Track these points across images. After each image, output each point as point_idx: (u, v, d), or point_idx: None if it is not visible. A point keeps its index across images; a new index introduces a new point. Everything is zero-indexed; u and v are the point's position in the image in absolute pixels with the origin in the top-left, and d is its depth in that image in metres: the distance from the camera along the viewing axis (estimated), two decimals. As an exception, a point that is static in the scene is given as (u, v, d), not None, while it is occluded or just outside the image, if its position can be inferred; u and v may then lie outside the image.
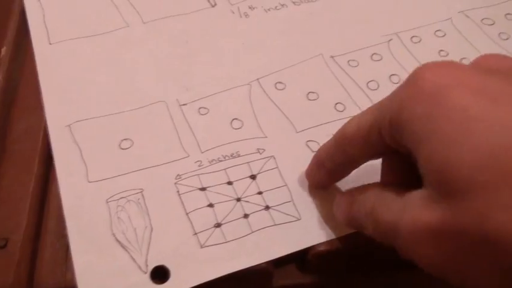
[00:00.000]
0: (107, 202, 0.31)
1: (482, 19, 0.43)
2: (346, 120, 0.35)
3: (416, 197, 0.23)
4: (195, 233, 0.30)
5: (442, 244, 0.21)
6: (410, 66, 0.39)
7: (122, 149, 0.34)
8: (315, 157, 0.32)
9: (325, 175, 0.31)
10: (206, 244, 0.30)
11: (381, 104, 0.25)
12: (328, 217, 0.31)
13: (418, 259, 0.22)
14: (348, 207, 0.28)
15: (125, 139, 0.34)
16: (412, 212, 0.22)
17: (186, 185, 0.32)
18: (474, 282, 0.21)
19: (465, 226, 0.20)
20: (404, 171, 0.26)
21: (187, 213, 0.31)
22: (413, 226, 0.22)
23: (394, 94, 0.24)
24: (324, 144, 0.31)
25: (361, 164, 0.29)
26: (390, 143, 0.25)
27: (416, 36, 0.42)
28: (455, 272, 0.22)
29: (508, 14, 0.44)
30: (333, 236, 0.31)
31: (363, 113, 0.27)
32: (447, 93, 0.21)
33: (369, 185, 0.28)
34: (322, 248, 0.30)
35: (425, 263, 0.22)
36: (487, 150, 0.20)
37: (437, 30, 0.42)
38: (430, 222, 0.21)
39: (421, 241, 0.22)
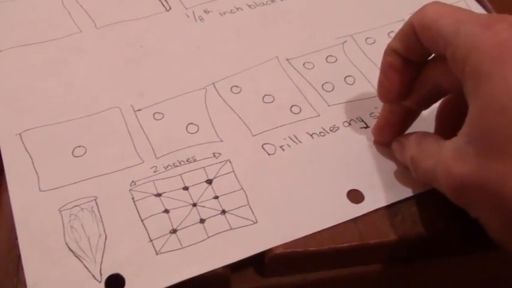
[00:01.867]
0: (60, 211, 0.31)
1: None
2: (302, 122, 0.36)
3: (449, 148, 0.26)
4: (151, 240, 0.30)
5: (466, 194, 0.25)
6: (365, 68, 0.39)
7: (75, 156, 0.33)
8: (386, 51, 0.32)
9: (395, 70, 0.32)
10: (162, 251, 0.29)
11: (460, 22, 0.26)
12: (284, 219, 0.31)
13: (454, 201, 0.26)
14: (400, 153, 0.32)
15: (78, 146, 0.34)
16: (445, 163, 0.26)
17: (141, 192, 0.32)
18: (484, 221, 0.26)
19: (488, 183, 0.24)
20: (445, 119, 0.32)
21: (142, 220, 0.31)
22: (446, 175, 0.26)
23: (472, 28, 0.25)
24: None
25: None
26: (449, 62, 0.27)
27: (370, 38, 0.42)
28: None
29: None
30: (289, 238, 0.31)
31: (446, 13, 0.27)
32: None
33: (411, 133, 0.32)
34: (279, 251, 0.30)
35: (459, 204, 0.26)
36: None
37: (391, 32, 0.43)
38: (457, 174, 0.25)
39: (453, 188, 0.26)
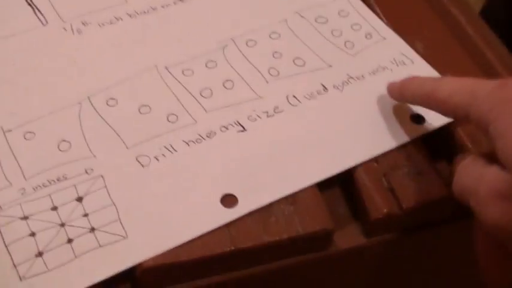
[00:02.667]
0: None
1: (316, 18, 0.45)
2: (178, 131, 0.35)
3: (494, 168, 0.27)
4: (14, 266, 0.29)
5: (508, 207, 0.26)
6: (245, 71, 0.40)
7: None
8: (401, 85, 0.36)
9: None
10: (26, 276, 0.29)
11: (475, 92, 0.29)
12: (156, 231, 0.31)
13: (484, 219, 0.27)
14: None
15: None
16: (489, 179, 0.27)
17: (6, 216, 0.31)
18: None
19: None
20: None
21: (6, 246, 0.30)
22: (487, 189, 0.27)
23: (488, 93, 0.28)
24: (413, 83, 0.35)
25: None
26: (475, 125, 0.29)
27: (252, 40, 0.42)
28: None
29: (341, 10, 0.45)
30: (160, 250, 0.30)
31: (458, 85, 0.31)
32: None
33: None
34: (148, 264, 0.30)
35: (490, 223, 0.27)
36: None
37: (273, 32, 0.43)
38: (502, 188, 0.26)
39: (491, 204, 0.27)
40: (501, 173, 0.27)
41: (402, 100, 0.37)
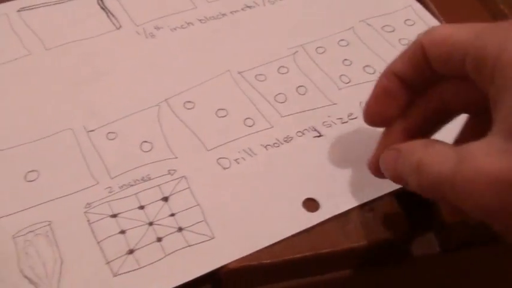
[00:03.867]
0: (14, 238, 0.30)
1: (383, 26, 0.45)
2: (255, 135, 0.36)
3: (478, 147, 0.23)
4: (107, 262, 0.30)
5: (504, 193, 0.22)
6: (316, 77, 0.40)
7: (28, 181, 0.33)
8: (383, 74, 0.30)
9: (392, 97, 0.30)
10: (119, 272, 0.29)
11: (479, 30, 0.25)
12: (241, 233, 0.31)
13: (473, 208, 0.23)
14: (393, 162, 0.28)
15: (30, 171, 0.33)
16: (474, 162, 0.23)
17: (96, 213, 0.32)
18: None
19: None
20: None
21: (98, 242, 0.30)
22: (474, 175, 0.22)
23: (498, 29, 0.24)
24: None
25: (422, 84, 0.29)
26: (470, 73, 0.25)
27: (321, 47, 0.43)
28: (505, 218, 0.23)
29: (408, 19, 0.46)
30: (246, 252, 0.31)
31: (459, 28, 0.26)
32: None
33: (414, 140, 0.28)
34: (233, 266, 0.30)
35: (481, 211, 0.23)
36: None
37: (341, 40, 0.43)
38: (495, 170, 0.22)
39: (481, 190, 0.22)
40: (493, 151, 0.22)
41: None
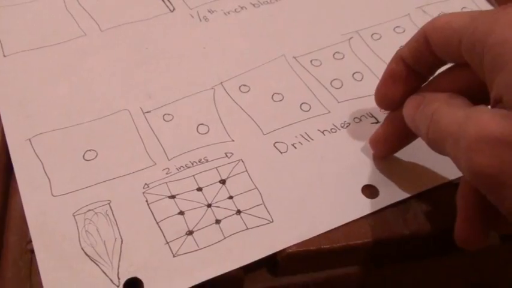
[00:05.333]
0: (74, 216, 0.30)
1: (440, 13, 0.44)
2: (312, 120, 0.35)
3: (484, 110, 0.24)
4: (167, 242, 0.30)
5: (505, 154, 0.22)
6: (373, 64, 0.39)
7: (86, 160, 0.33)
8: (392, 60, 0.31)
9: (400, 81, 0.31)
10: (179, 253, 0.29)
11: (474, 15, 0.26)
12: (299, 217, 0.31)
13: (471, 168, 0.23)
14: (415, 107, 0.29)
15: (88, 150, 0.34)
16: (479, 121, 0.23)
17: (155, 194, 0.32)
18: None
19: None
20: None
21: (157, 223, 0.30)
22: (477, 132, 0.23)
23: (490, 13, 0.25)
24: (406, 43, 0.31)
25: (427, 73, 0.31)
26: (465, 56, 0.26)
27: (376, 33, 0.42)
28: (501, 184, 0.22)
29: (464, 7, 0.45)
30: (306, 237, 0.30)
31: (459, 14, 0.27)
32: None
33: (441, 92, 0.28)
34: (292, 250, 0.30)
35: (478, 173, 0.23)
36: None
37: (397, 27, 0.43)
38: (497, 131, 0.22)
39: (483, 149, 0.23)
40: (497, 114, 0.23)
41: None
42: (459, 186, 0.29)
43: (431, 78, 0.31)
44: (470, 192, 0.28)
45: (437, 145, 0.26)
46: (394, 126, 0.32)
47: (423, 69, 0.31)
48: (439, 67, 0.30)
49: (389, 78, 0.31)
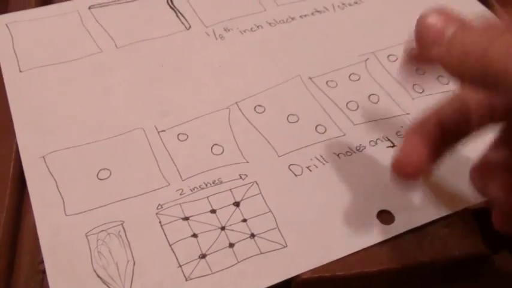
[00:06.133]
0: (86, 236, 0.30)
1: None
2: (327, 142, 0.35)
3: None
4: (180, 265, 0.29)
5: None
6: (389, 86, 0.39)
7: (100, 179, 0.33)
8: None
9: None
10: (191, 276, 0.29)
11: None
12: (314, 242, 0.31)
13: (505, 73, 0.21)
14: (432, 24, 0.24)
15: (102, 169, 0.33)
16: None
17: (168, 215, 0.31)
18: None
19: None
20: None
21: (170, 245, 0.30)
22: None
23: None
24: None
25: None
26: None
27: (393, 55, 0.42)
28: None
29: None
30: (320, 263, 0.30)
31: None
32: None
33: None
34: (306, 276, 0.30)
35: None
36: None
37: (414, 49, 0.42)
38: None
39: None
40: None
41: None
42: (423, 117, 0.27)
43: None
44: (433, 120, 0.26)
45: (457, 63, 0.23)
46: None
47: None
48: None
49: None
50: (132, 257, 0.29)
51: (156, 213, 0.31)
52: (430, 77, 0.40)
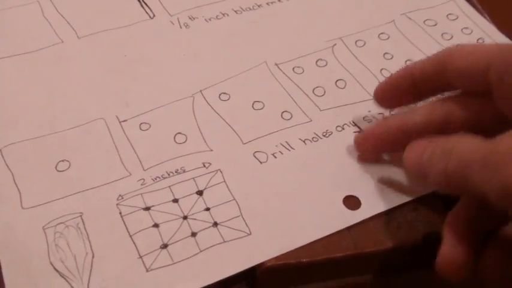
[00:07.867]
0: (44, 229, 0.29)
1: (425, 20, 0.43)
2: (293, 128, 0.34)
3: (509, 134, 0.24)
4: (140, 256, 0.28)
5: None
6: (356, 71, 0.38)
7: (59, 171, 0.32)
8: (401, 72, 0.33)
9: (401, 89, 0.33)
10: (152, 267, 0.28)
11: (502, 47, 0.28)
12: (279, 229, 0.30)
13: (504, 181, 0.22)
14: (421, 151, 0.28)
15: (61, 161, 0.32)
16: (508, 140, 0.23)
17: (129, 206, 0.30)
18: None
19: None
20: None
21: (130, 236, 0.29)
22: (508, 149, 0.23)
23: None
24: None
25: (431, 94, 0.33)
26: (493, 83, 0.27)
27: (360, 40, 0.41)
28: None
29: (450, 14, 0.44)
30: (285, 250, 0.29)
31: (483, 45, 0.30)
32: None
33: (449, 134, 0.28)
34: (271, 263, 0.29)
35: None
36: None
37: (381, 33, 0.42)
38: None
39: None
40: None
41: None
42: (449, 215, 0.28)
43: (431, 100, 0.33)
44: (461, 222, 0.28)
45: (458, 178, 0.25)
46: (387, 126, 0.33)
47: (426, 90, 0.32)
48: (440, 92, 0.32)
49: (391, 83, 0.33)
50: (91, 249, 0.29)
51: (117, 204, 0.31)
52: (397, 62, 0.40)
